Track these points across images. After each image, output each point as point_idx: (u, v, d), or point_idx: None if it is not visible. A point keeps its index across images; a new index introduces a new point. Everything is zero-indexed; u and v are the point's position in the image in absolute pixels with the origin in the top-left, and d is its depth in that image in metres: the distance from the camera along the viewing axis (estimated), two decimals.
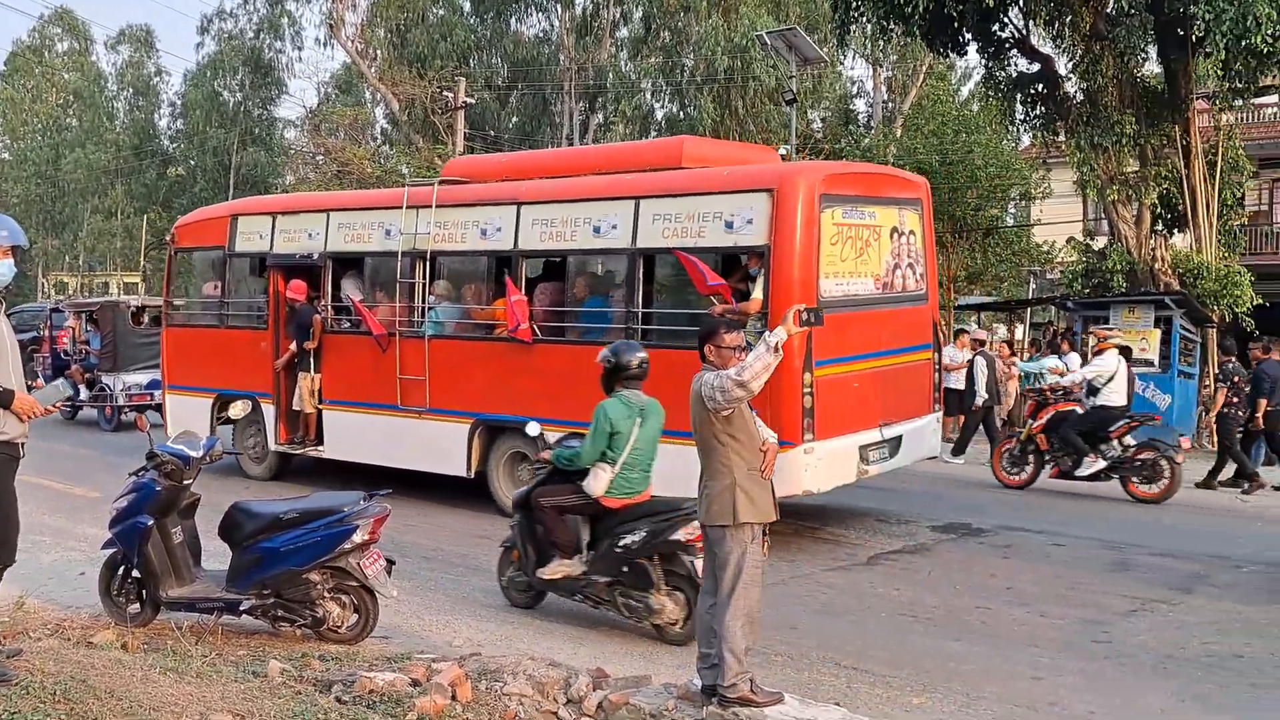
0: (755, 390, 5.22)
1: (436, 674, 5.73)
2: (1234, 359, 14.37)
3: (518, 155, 20.19)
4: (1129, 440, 12.80)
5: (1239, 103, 20.38)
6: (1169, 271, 19.02)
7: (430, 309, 11.54)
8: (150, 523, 6.87)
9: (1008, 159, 28.07)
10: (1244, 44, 15.78)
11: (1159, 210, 19.75)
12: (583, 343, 10.62)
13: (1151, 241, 19.27)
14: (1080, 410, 13.14)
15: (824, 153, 34.39)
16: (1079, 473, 12.93)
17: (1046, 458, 13.28)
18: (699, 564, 6.64)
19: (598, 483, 7.25)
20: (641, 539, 7.12)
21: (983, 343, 18.69)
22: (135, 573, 7.00)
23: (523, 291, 10.79)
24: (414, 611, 7.81)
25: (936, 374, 11.16)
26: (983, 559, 9.71)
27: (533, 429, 8.40)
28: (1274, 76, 18.58)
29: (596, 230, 10.43)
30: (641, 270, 10.17)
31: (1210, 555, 9.77)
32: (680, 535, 7.02)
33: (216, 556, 7.30)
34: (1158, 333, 17.52)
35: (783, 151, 28.16)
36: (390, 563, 7.00)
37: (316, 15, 63.69)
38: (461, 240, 11.40)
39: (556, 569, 7.35)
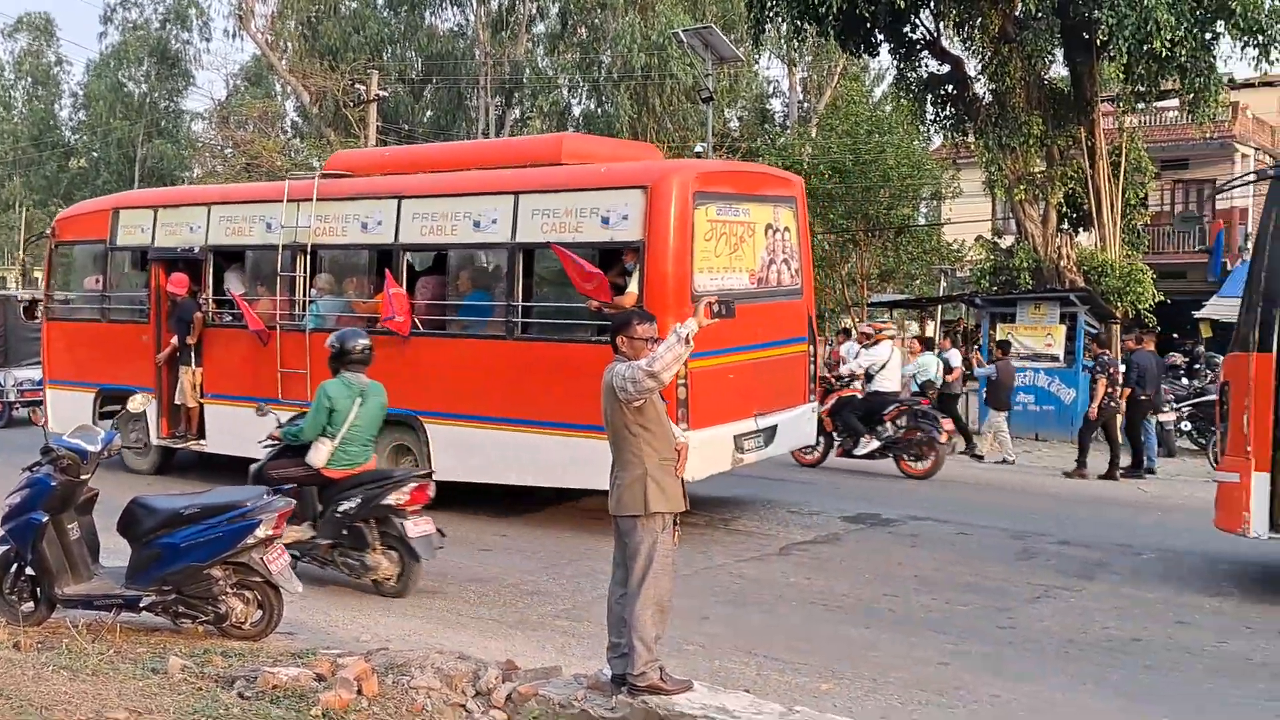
0: (666, 381, 5.23)
1: (342, 669, 5.63)
2: (1108, 351, 14.99)
3: (401, 149, 20.42)
4: (901, 422, 13.88)
5: (1141, 106, 20.96)
6: (1074, 269, 19.50)
7: (311, 302, 11.55)
8: (45, 519, 6.66)
9: (919, 159, 28.62)
10: (1145, 48, 16.25)
11: (1064, 209, 20.24)
12: (463, 336, 10.85)
13: (1057, 240, 19.74)
14: (859, 396, 14.29)
15: (741, 151, 34.65)
16: (856, 452, 14.05)
17: (834, 439, 14.29)
18: (409, 525, 7.82)
19: (318, 455, 7.93)
20: (357, 505, 7.88)
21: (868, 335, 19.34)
22: (29, 570, 6.78)
23: (404, 285, 10.86)
24: (320, 607, 7.68)
25: (812, 366, 11.46)
26: (891, 548, 9.84)
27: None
28: (1174, 81, 19.06)
29: (477, 225, 10.59)
30: (521, 264, 10.34)
31: (1111, 543, 10.04)
32: (390, 500, 7.87)
33: (116, 554, 7.09)
34: (1063, 329, 18.00)
35: (699, 149, 28.31)
36: (295, 558, 6.87)
37: (225, 6, 62.46)
38: (343, 234, 11.48)
39: (289, 533, 7.41)
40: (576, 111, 38.07)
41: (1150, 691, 6.29)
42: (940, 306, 28.47)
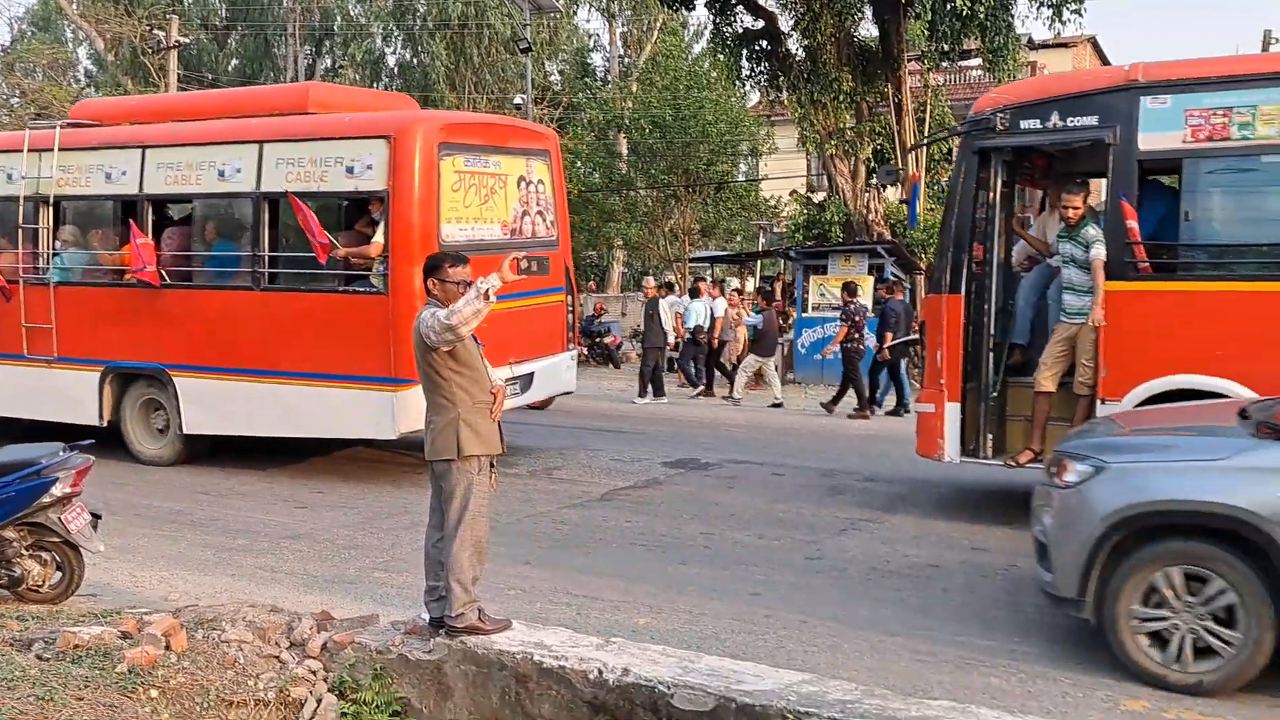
0: (464, 335, 5.21)
1: (148, 626, 5.44)
2: (857, 300, 15.83)
3: (148, 98, 20.11)
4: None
5: (946, 64, 21.85)
6: (881, 222, 20.28)
7: (55, 255, 11.20)
8: None
9: (737, 115, 29.12)
10: (948, 6, 16.96)
11: (873, 165, 20.96)
12: (211, 287, 10.78)
13: (866, 194, 20.46)
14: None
15: (562, 105, 34.50)
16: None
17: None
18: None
19: None
20: None
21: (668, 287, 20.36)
22: None
23: (149, 235, 10.68)
24: (126, 569, 7.40)
25: (570, 315, 11.71)
26: (709, 490, 10.11)
27: None
28: (975, 39, 19.93)
29: (221, 174, 10.52)
30: (267, 214, 10.31)
31: (914, 478, 10.55)
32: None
33: None
34: (870, 279, 18.68)
35: (518, 101, 28.08)
36: (96, 517, 6.58)
37: None
38: (86, 185, 11.21)
39: None
40: (391, 62, 37.16)
41: (948, 609, 6.68)
42: (759, 261, 29.20)
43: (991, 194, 8.62)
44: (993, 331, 8.61)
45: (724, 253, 30.60)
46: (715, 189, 28.83)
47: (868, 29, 21.33)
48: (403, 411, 9.43)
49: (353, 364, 9.71)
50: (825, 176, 22.89)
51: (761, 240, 32.74)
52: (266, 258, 10.31)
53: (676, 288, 23.07)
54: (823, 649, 6.01)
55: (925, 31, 18.62)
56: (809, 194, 26.78)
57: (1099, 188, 9.68)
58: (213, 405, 10.48)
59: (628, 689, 4.83)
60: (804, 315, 19.58)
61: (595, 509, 9.38)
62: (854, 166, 20.61)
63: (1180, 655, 5.36)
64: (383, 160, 9.65)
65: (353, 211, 10.49)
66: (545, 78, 35.40)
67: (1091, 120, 8.03)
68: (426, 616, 5.51)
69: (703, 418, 14.97)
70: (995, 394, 8.60)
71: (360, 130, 10.09)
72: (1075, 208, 8.20)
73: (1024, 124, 8.30)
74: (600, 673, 4.92)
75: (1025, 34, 20.71)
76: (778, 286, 24.02)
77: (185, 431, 10.66)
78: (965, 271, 8.56)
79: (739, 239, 32.34)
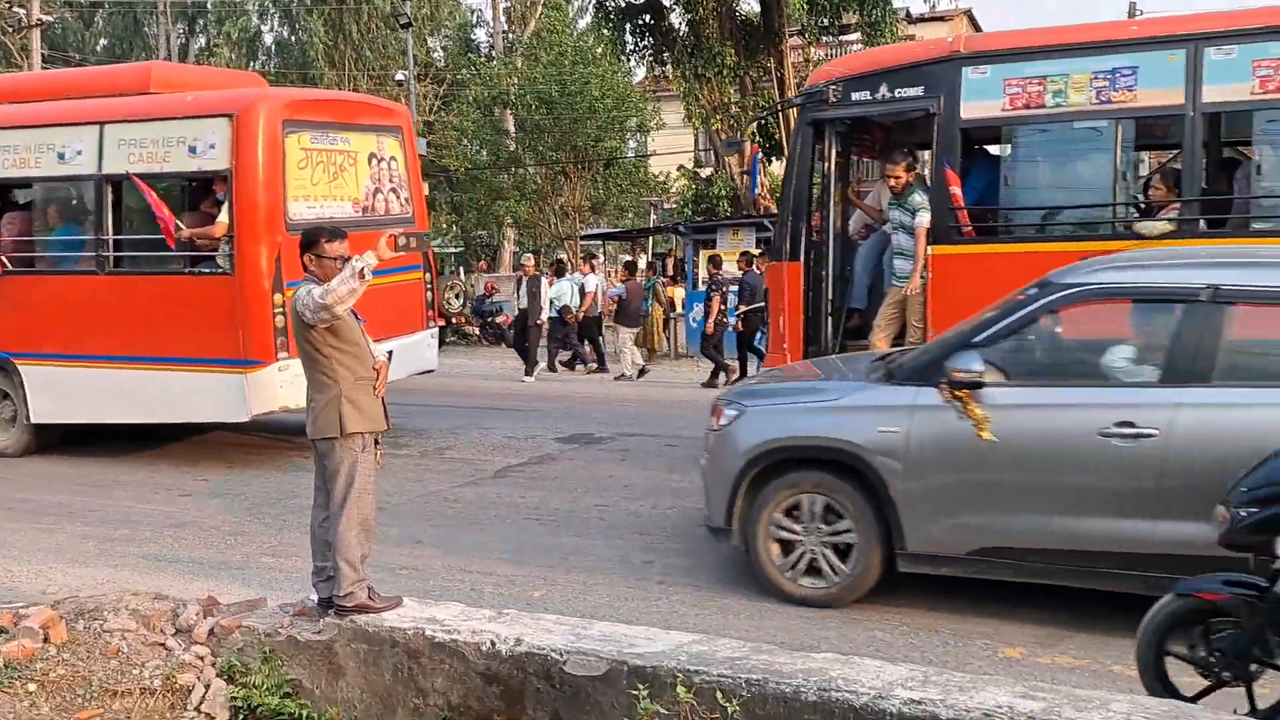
0: (340, 315, 5.12)
1: (25, 619, 5.27)
2: (722, 272, 16.19)
3: None
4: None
5: (827, 38, 22.18)
6: (767, 196, 20.53)
7: None
8: None
9: (624, 91, 29.10)
10: None
11: (758, 139, 21.21)
12: (55, 272, 10.56)
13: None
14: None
15: (447, 81, 34.06)
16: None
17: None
18: None
19: None
20: None
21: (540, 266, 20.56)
22: None
23: None
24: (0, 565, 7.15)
25: (429, 293, 11.68)
26: (603, 463, 10.17)
27: None
28: (854, 14, 20.28)
29: (61, 157, 10.28)
30: (110, 197, 10.14)
31: None
32: None
33: None
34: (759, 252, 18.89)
35: (400, 78, 27.66)
36: None
37: None
38: None
39: None
40: (269, 40, 36.23)
41: None
42: (651, 237, 29.30)
43: (827, 164, 8.86)
44: (831, 297, 8.89)
45: (616, 230, 30.64)
46: (604, 166, 28.82)
47: (750, 4, 21.57)
48: (255, 393, 9.38)
49: (202, 347, 9.56)
50: (712, 151, 23.08)
51: (653, 217, 32.86)
52: (111, 241, 10.12)
53: (569, 266, 22.98)
54: (713, 611, 6.13)
55: (805, 6, 18.88)
56: (697, 169, 26.97)
57: None
58: (60, 394, 10.22)
59: (520, 658, 4.85)
60: (694, 290, 19.76)
61: (489, 486, 9.36)
62: (740, 141, 20.81)
63: (819, 573, 6.13)
64: (225, 139, 9.50)
65: (199, 192, 10.35)
66: (428, 54, 34.88)
67: (918, 91, 8.28)
68: (315, 597, 5.45)
69: (595, 394, 15.03)
70: (835, 356, 8.88)
71: (202, 109, 9.90)
72: (897, 176, 8.50)
73: (855, 95, 8.51)
74: (493, 644, 4.92)
75: (903, 7, 21.15)
76: (670, 262, 24.19)
77: (33, 421, 10.37)
78: (804, 240, 8.80)
79: (630, 216, 32.40)
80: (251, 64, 34.96)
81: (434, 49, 36.16)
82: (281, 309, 9.27)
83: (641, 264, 28.11)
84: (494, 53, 37.72)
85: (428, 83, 33.65)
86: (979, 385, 5.66)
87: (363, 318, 5.50)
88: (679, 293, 20.67)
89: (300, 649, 5.28)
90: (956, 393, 5.69)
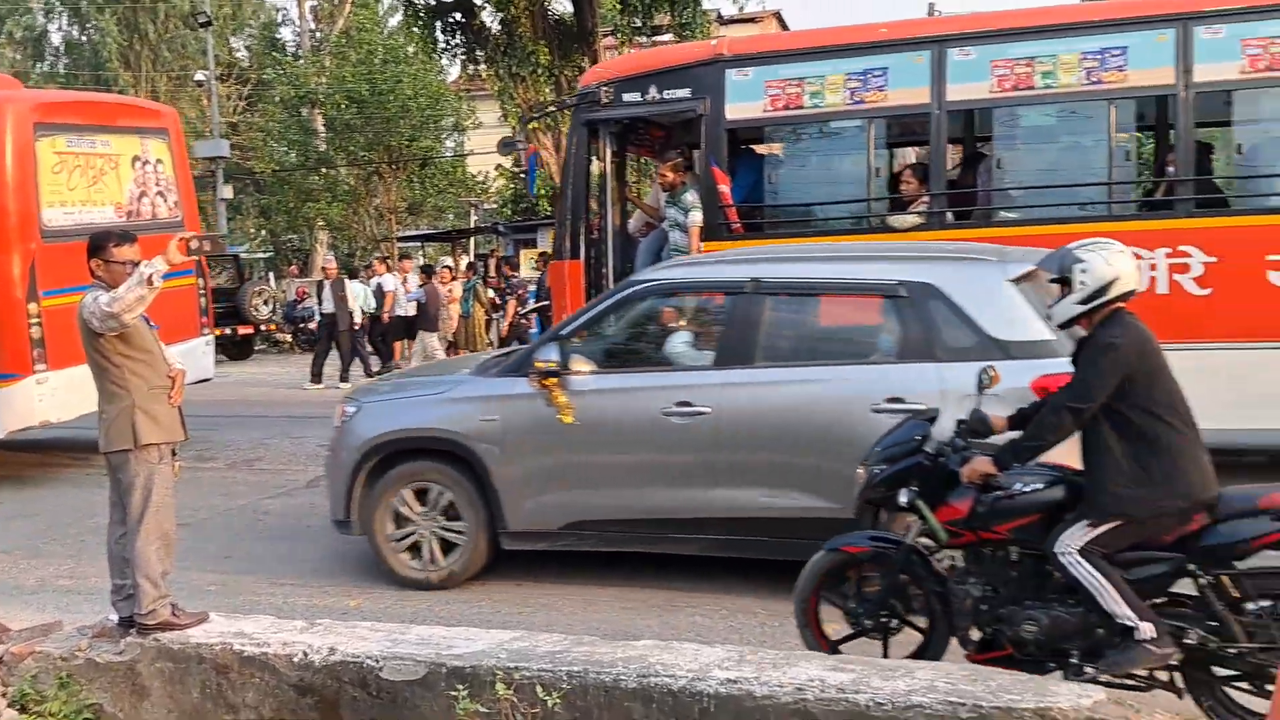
0: (129, 323, 4.90)
1: None
2: (517, 274, 16.39)
3: None
4: None
5: (640, 39, 22.37)
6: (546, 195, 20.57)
7: None
8: None
9: (437, 90, 28.69)
10: None
11: (548, 136, 21.18)
12: None
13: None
14: None
15: (251, 81, 32.91)
16: None
17: None
18: None
19: None
20: None
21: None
22: None
23: None
24: None
25: (203, 299, 11.46)
26: None
27: None
28: (666, 14, 20.52)
29: None
30: None
31: None
32: None
33: None
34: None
35: (200, 78, 26.58)
36: None
37: None
38: None
39: None
40: (56, 39, 34.23)
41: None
42: (472, 238, 29.01)
43: (603, 164, 9.02)
44: None
45: (434, 231, 30.20)
46: (420, 165, 28.36)
47: (563, 4, 21.58)
48: (6, 408, 9.00)
49: None
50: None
51: (473, 217, 32.55)
52: None
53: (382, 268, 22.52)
54: (537, 608, 6.11)
55: (618, 6, 19.01)
56: (516, 169, 26.84)
57: None
58: None
59: (335, 668, 4.73)
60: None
61: (300, 496, 9.09)
62: (556, 139, 20.77)
63: (433, 558, 6.48)
64: None
65: None
66: (231, 54, 33.61)
67: (686, 92, 8.49)
68: (115, 617, 5.18)
69: None
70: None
71: None
72: (664, 175, 8.76)
73: (627, 97, 8.67)
74: (306, 655, 4.78)
75: (714, 9, 21.53)
76: (491, 262, 24.00)
77: None
78: (583, 239, 8.95)
79: (450, 216, 31.98)
80: (39, 65, 32.97)
81: (237, 49, 34.86)
82: (38, 319, 8.97)
83: (463, 265, 27.88)
84: (301, 52, 36.69)
85: (231, 83, 32.44)
86: (558, 374, 6.12)
87: (156, 324, 5.26)
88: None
89: (100, 671, 5.01)
90: (544, 381, 6.14)
